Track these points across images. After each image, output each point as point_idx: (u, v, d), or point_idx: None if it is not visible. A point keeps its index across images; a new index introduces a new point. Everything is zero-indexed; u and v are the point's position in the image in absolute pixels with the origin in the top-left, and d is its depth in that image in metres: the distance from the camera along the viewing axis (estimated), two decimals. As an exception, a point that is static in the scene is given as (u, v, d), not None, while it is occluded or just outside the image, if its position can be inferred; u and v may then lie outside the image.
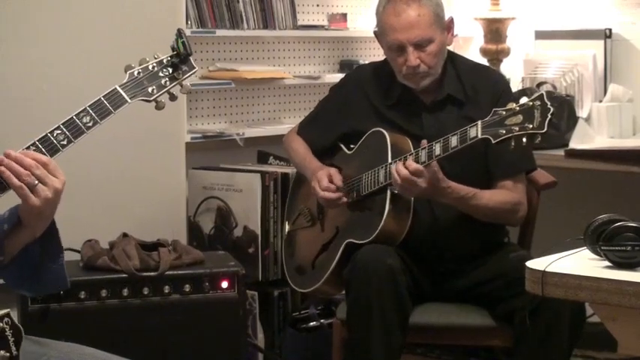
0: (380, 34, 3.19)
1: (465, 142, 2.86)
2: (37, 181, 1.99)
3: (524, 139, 2.73)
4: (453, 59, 3.24)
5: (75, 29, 3.62)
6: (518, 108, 2.74)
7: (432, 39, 3.09)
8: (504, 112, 2.76)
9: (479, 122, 2.82)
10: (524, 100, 2.76)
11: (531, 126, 2.71)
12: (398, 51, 3.12)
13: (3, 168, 2.00)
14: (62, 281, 2.16)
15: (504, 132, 2.75)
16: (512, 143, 2.75)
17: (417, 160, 2.94)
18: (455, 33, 3.24)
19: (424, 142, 2.96)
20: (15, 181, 1.99)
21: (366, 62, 3.92)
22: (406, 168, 2.92)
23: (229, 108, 4.38)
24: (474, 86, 3.19)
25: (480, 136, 2.81)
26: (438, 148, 2.91)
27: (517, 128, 2.73)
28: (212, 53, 4.26)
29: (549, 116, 2.69)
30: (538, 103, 2.72)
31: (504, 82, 3.34)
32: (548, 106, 2.70)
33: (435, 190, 2.97)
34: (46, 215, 2.04)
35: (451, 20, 3.20)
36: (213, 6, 4.12)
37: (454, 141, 2.88)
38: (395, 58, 3.14)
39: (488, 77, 3.26)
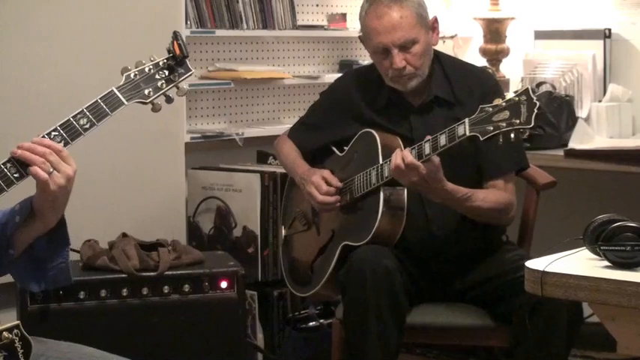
0: (365, 39, 3.18)
1: (453, 141, 2.84)
2: (52, 168, 2.01)
3: (512, 135, 2.73)
4: (440, 59, 3.22)
5: (74, 29, 3.62)
6: (504, 104, 2.73)
7: (417, 40, 3.08)
8: (491, 109, 2.75)
9: (466, 120, 2.80)
10: (510, 95, 2.74)
11: (518, 121, 2.69)
12: (383, 54, 3.11)
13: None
14: (66, 276, 2.17)
15: (492, 128, 2.73)
16: (501, 139, 2.74)
17: None
18: (454, 33, 3.23)
19: (428, 137, 2.94)
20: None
21: (364, 63, 3.93)
22: (403, 159, 2.91)
23: (229, 108, 4.38)
24: (462, 86, 3.17)
25: (467, 133, 2.79)
26: (427, 147, 2.90)
27: (504, 124, 2.71)
28: (211, 53, 4.26)
29: (536, 110, 2.67)
30: (524, 97, 2.70)
31: (492, 80, 3.30)
32: (534, 100, 2.69)
33: (431, 189, 2.96)
34: (59, 204, 2.06)
35: (435, 20, 3.19)
36: (212, 6, 4.12)
37: (443, 139, 2.87)
38: (381, 62, 3.13)
39: (476, 76, 3.24)
